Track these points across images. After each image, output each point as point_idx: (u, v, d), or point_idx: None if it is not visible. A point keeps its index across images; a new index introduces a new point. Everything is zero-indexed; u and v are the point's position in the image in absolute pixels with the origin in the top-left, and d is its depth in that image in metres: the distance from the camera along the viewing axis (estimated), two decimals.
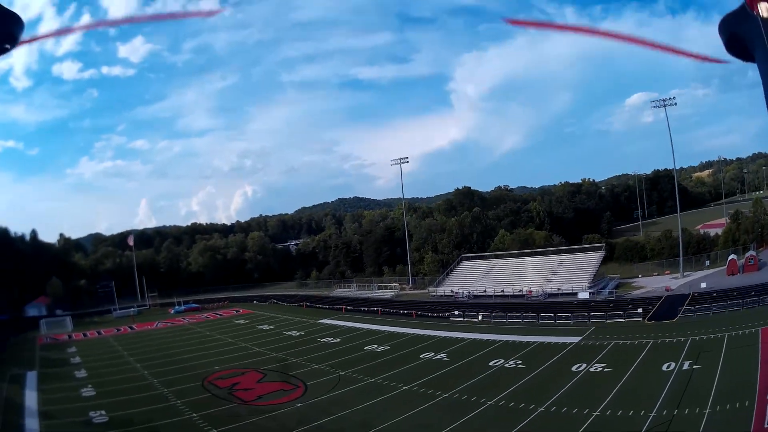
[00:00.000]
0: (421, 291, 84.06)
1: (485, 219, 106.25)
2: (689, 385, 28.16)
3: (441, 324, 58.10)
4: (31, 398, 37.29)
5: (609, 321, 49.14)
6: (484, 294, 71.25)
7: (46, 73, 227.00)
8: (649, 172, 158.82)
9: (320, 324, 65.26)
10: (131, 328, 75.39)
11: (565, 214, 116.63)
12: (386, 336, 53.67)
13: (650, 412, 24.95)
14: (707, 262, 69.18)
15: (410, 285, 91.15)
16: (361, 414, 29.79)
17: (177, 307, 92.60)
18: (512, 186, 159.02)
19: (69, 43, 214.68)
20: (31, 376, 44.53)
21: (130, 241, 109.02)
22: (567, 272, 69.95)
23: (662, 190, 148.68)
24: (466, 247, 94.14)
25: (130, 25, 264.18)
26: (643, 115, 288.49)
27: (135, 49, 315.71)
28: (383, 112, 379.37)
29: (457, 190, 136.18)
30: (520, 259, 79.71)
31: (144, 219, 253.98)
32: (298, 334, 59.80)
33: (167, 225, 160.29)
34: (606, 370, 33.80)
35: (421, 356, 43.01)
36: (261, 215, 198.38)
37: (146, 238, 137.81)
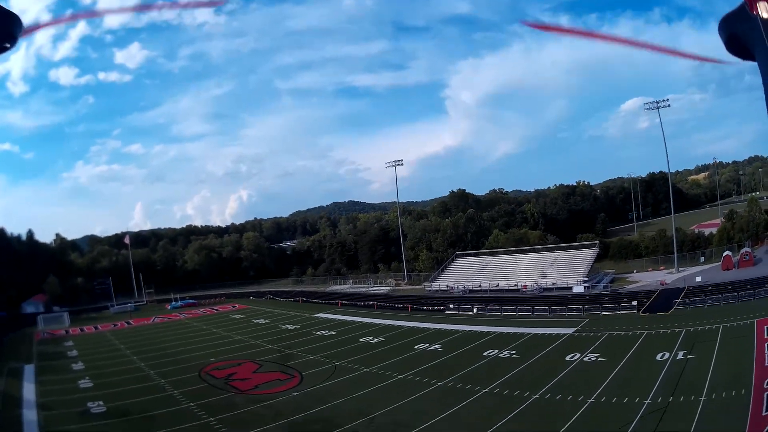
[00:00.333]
0: (417, 286, 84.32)
1: (479, 220, 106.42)
2: (684, 374, 28.16)
3: (436, 317, 58.34)
4: (29, 391, 37.25)
5: (603, 313, 49.16)
6: (479, 288, 71.50)
7: (43, 79, 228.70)
8: (644, 175, 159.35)
9: (316, 318, 65.44)
10: (128, 323, 75.09)
11: (559, 215, 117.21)
12: (381, 328, 53.76)
13: (645, 399, 24.94)
14: (702, 259, 69.45)
15: (405, 281, 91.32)
16: (356, 402, 29.80)
17: (174, 303, 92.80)
18: (507, 190, 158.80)
19: (66, 48, 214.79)
20: (29, 370, 44.42)
21: (127, 240, 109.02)
22: (561, 268, 70.15)
23: (657, 192, 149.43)
24: (460, 246, 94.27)
25: (126, 31, 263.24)
26: (638, 120, 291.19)
27: (131, 56, 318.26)
28: (378, 118, 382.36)
29: (452, 192, 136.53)
30: (514, 256, 79.83)
31: (139, 222, 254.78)
32: (293, 327, 59.94)
33: (162, 228, 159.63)
34: (600, 359, 33.80)
35: (415, 347, 43.14)
36: (256, 218, 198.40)
37: (142, 239, 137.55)
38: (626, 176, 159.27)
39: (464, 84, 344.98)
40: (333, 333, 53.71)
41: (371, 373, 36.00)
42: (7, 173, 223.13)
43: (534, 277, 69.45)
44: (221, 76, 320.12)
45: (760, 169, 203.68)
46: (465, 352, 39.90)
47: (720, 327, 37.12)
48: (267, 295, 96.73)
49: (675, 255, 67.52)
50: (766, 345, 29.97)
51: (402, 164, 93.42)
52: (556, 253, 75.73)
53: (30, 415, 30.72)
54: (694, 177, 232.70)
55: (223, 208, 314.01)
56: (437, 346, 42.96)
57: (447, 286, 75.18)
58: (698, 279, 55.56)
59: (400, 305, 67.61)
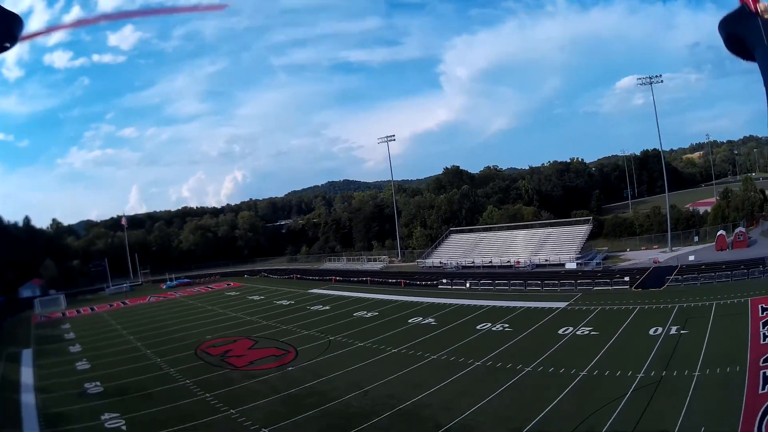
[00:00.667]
0: (410, 263, 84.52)
1: (474, 196, 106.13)
2: (677, 348, 28.27)
3: (429, 291, 58.63)
4: (27, 375, 37.55)
5: (596, 288, 49.16)
6: (472, 265, 71.54)
7: (37, 63, 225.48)
8: (638, 152, 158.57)
9: (310, 294, 65.80)
10: (124, 303, 75.41)
11: (554, 191, 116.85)
12: (375, 303, 54.10)
13: (638, 373, 25.07)
14: (696, 238, 69.11)
15: (399, 258, 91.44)
16: (351, 375, 30.18)
17: (169, 282, 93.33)
18: (502, 167, 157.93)
19: (60, 33, 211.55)
20: (27, 354, 44.85)
21: (124, 222, 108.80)
22: (555, 244, 70.17)
23: (652, 170, 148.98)
24: (454, 222, 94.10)
25: (120, 14, 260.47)
26: (633, 97, 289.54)
27: (125, 38, 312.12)
28: (373, 94, 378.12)
29: (446, 169, 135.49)
30: (508, 232, 79.88)
31: (135, 205, 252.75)
32: (288, 303, 60.26)
33: (158, 210, 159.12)
34: (593, 333, 33.94)
35: (409, 321, 43.54)
36: (251, 199, 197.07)
37: (138, 221, 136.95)
38: (620, 154, 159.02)
39: (459, 59, 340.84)
40: (327, 308, 54.07)
41: (365, 347, 36.30)
42: (3, 162, 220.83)
43: (527, 253, 69.40)
44: (215, 54, 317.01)
45: (755, 150, 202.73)
46: (458, 326, 40.21)
47: (713, 304, 36.99)
48: (261, 273, 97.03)
49: (669, 234, 67.17)
50: (761, 323, 30.04)
51: (394, 140, 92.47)
52: (550, 230, 75.67)
53: (28, 399, 31.08)
54: (688, 156, 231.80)
55: (218, 190, 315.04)
56: (431, 319, 43.30)
57: (440, 263, 75.31)
58: (691, 258, 55.45)
59: (394, 281, 67.75)
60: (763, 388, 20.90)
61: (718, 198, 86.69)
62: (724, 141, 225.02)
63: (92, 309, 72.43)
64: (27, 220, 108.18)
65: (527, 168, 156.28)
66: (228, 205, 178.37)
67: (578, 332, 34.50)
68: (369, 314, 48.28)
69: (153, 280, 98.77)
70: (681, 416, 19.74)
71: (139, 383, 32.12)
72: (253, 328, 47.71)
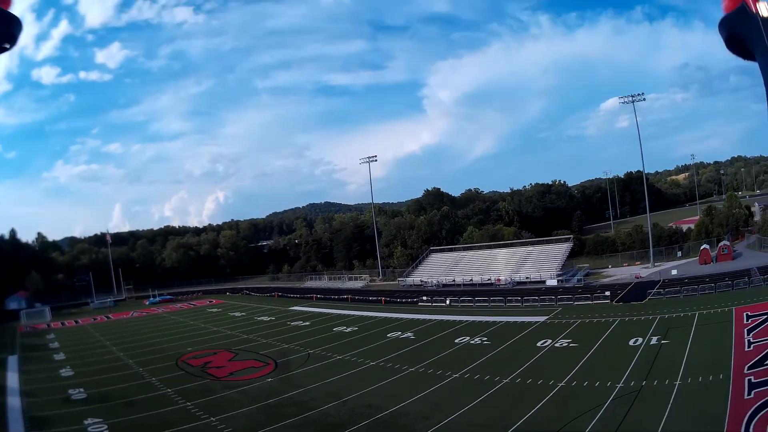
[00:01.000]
0: (391, 282, 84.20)
1: (454, 217, 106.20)
2: (657, 358, 27.91)
3: (409, 308, 58.38)
4: (13, 380, 37.87)
5: (576, 303, 48.84)
6: (453, 283, 71.16)
7: (25, 78, 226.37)
8: (622, 175, 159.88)
9: (291, 310, 65.70)
10: (108, 317, 76.29)
11: (534, 212, 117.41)
12: (355, 319, 53.89)
13: (617, 383, 24.59)
14: (679, 254, 69.15)
15: (380, 276, 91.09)
16: (330, 386, 29.98)
17: (152, 298, 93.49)
18: (484, 190, 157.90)
19: (48, 48, 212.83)
20: (12, 360, 45.36)
21: (109, 238, 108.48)
22: (535, 262, 69.94)
23: (635, 192, 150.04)
24: (434, 242, 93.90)
25: (107, 30, 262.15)
26: (618, 119, 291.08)
27: (112, 55, 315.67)
28: (356, 117, 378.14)
29: (427, 191, 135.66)
30: (488, 251, 79.63)
31: (118, 223, 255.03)
32: (269, 319, 60.18)
33: (141, 229, 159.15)
34: (572, 345, 33.58)
35: (388, 335, 43.38)
36: (233, 219, 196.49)
37: (121, 238, 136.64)
38: (604, 176, 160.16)
39: (443, 83, 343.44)
40: (307, 323, 54.11)
41: (344, 360, 36.14)
42: None
43: (508, 271, 69.11)
44: (200, 75, 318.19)
45: (742, 169, 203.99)
46: (437, 340, 39.89)
47: (696, 314, 36.88)
48: (243, 290, 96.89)
49: (651, 249, 67.16)
50: (745, 330, 29.78)
51: (376, 160, 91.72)
52: (530, 248, 75.50)
53: (14, 402, 31.38)
54: (673, 177, 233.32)
55: (200, 209, 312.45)
56: (409, 334, 43.06)
57: (421, 281, 74.97)
58: (674, 272, 55.33)
59: (374, 298, 67.51)
60: (749, 394, 20.47)
61: (701, 216, 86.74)
62: (711, 162, 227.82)
63: (76, 322, 72.90)
64: (13, 232, 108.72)
65: (508, 191, 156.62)
66: (210, 225, 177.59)
67: (557, 344, 34.06)
68: (349, 329, 48.15)
69: (136, 296, 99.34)
70: (662, 422, 19.26)
71: (122, 391, 32.23)
72: (233, 341, 47.64)
